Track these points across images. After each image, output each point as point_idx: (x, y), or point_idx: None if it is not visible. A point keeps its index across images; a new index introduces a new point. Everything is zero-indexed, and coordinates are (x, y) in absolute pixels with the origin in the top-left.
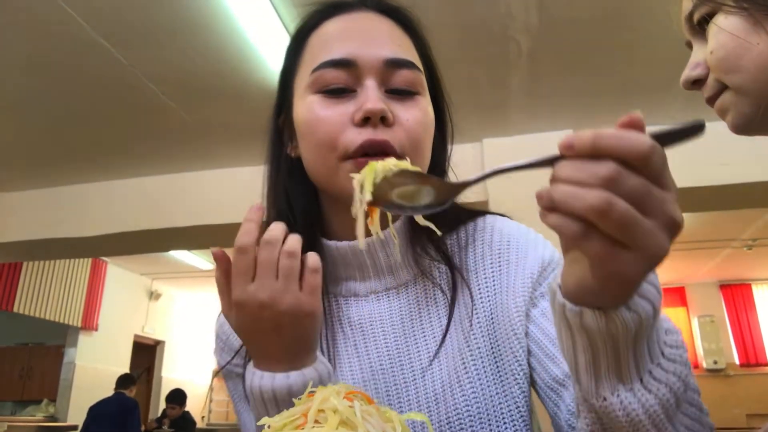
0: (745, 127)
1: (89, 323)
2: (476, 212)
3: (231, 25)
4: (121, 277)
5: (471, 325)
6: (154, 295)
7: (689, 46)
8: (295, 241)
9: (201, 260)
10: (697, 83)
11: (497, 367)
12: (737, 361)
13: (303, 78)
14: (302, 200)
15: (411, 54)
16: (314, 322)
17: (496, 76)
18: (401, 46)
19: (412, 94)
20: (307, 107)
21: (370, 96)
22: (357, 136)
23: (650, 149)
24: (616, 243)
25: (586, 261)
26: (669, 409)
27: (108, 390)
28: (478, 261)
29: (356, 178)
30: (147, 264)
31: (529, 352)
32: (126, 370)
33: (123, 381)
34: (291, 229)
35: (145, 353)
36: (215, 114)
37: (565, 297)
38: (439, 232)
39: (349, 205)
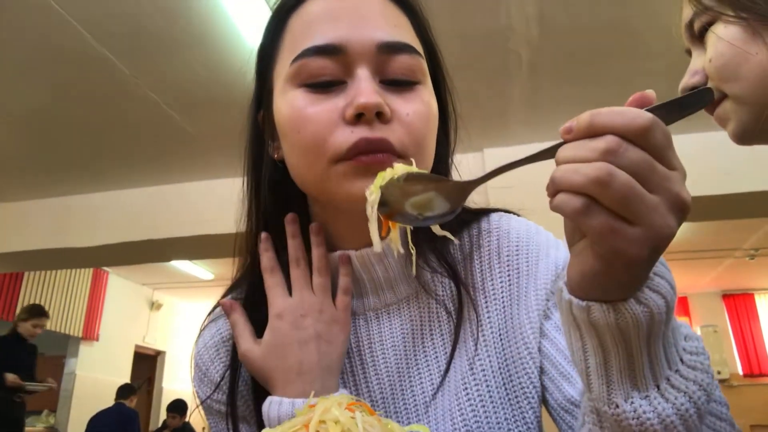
0: (745, 136)
1: (90, 333)
2: (479, 212)
3: (233, 37)
4: (122, 287)
5: (476, 349)
6: (155, 305)
7: (689, 53)
8: (322, 258)
9: (202, 270)
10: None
11: (508, 389)
12: (741, 372)
13: (283, 67)
14: (289, 207)
15: (409, 35)
16: (347, 339)
17: (497, 86)
18: (397, 27)
19: (412, 84)
20: (290, 103)
21: (363, 88)
22: (349, 135)
23: (649, 123)
24: (619, 217)
25: (589, 247)
26: (689, 421)
27: (108, 400)
28: (485, 270)
29: (368, 189)
30: (148, 274)
31: (542, 369)
32: (127, 380)
33: (123, 391)
34: (278, 240)
35: (146, 364)
36: (217, 124)
37: (571, 293)
38: (455, 240)
39: (342, 212)
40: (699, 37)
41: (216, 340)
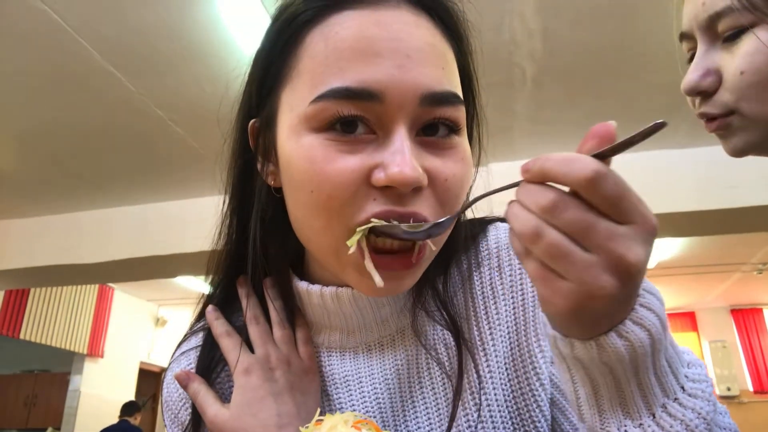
0: (745, 152)
1: (95, 350)
2: (477, 226)
3: (238, 53)
4: (127, 304)
5: (479, 412)
6: (160, 322)
7: (685, 39)
8: (281, 311)
9: (207, 286)
10: (701, 92)
11: (515, 424)
12: (751, 388)
13: (298, 97)
14: (278, 238)
15: (455, 79)
16: (319, 388)
17: (502, 101)
18: (445, 69)
19: (450, 135)
20: (305, 153)
21: (400, 155)
22: (374, 205)
23: (593, 175)
24: (552, 269)
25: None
26: None
27: (113, 418)
28: (486, 293)
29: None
30: (153, 290)
31: (552, 401)
32: (131, 397)
33: (128, 408)
34: (258, 270)
35: (151, 381)
36: (222, 141)
37: (554, 328)
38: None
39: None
40: (721, 35)
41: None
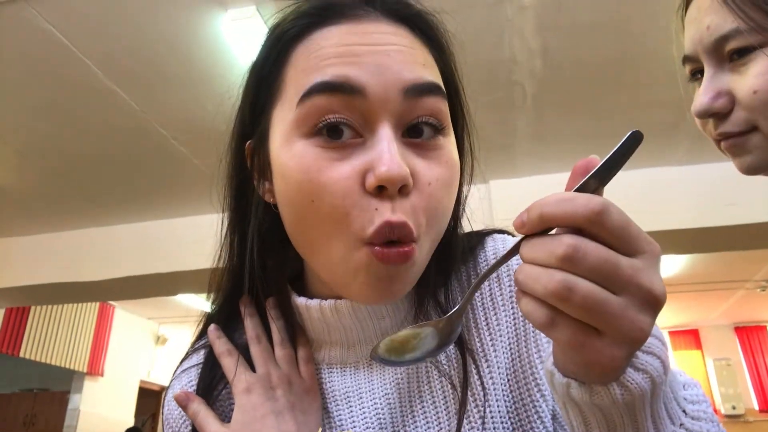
0: (759, 170)
1: (95, 368)
2: (475, 238)
3: (241, 73)
4: (127, 322)
5: (484, 425)
6: (160, 340)
7: (688, 62)
8: (282, 330)
9: (208, 304)
10: (713, 114)
11: None
12: (756, 407)
13: (286, 106)
14: (276, 254)
15: (436, 74)
16: (320, 408)
17: (502, 119)
18: (426, 66)
19: (435, 136)
20: (298, 162)
21: (387, 153)
22: (374, 215)
23: (601, 208)
24: (587, 327)
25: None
26: None
27: None
28: (486, 304)
29: None
30: (154, 308)
31: (553, 416)
32: (131, 416)
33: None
34: (256, 286)
35: (151, 399)
36: (219, 161)
37: (555, 365)
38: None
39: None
40: (730, 56)
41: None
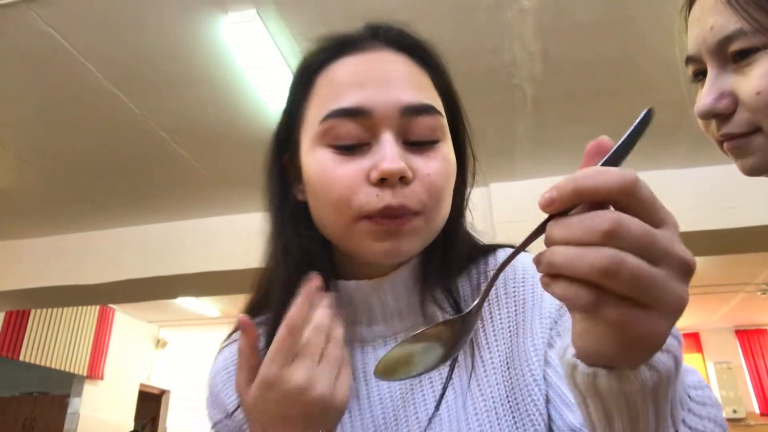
0: (762, 171)
1: (95, 372)
2: (487, 248)
3: (242, 76)
4: (127, 325)
5: (473, 371)
6: (160, 343)
7: (691, 62)
8: (341, 331)
9: (208, 307)
10: (716, 115)
11: (515, 416)
12: (757, 410)
13: (311, 124)
14: (313, 244)
15: (431, 95)
16: (340, 418)
17: (502, 122)
18: (421, 89)
19: (433, 143)
20: (318, 163)
21: (387, 153)
22: (374, 199)
23: (636, 179)
24: (634, 304)
25: (601, 328)
26: None
27: None
28: (492, 302)
29: None
30: (154, 311)
31: (547, 398)
32: (130, 420)
33: None
34: (302, 273)
35: (151, 403)
36: (225, 162)
37: (576, 357)
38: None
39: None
40: (733, 57)
41: (229, 362)
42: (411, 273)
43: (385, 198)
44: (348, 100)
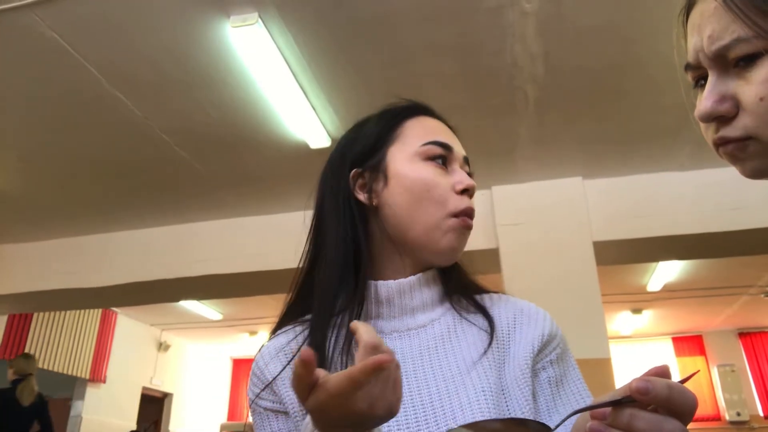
0: (764, 174)
1: (97, 375)
2: (487, 290)
3: (244, 79)
4: (130, 328)
5: (506, 376)
6: (163, 346)
7: (691, 69)
8: (392, 353)
9: (210, 310)
10: (717, 118)
11: (505, 393)
12: (761, 413)
13: (407, 146)
14: (362, 244)
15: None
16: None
17: (504, 124)
18: (461, 146)
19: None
20: (421, 170)
21: (463, 176)
22: (460, 202)
23: (695, 404)
24: None
25: None
26: None
27: None
28: (524, 323)
29: None
30: (157, 314)
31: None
32: (133, 423)
33: None
34: (345, 271)
35: (153, 406)
36: (227, 165)
37: None
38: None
39: (405, 251)
40: (735, 62)
41: (277, 344)
42: (430, 277)
43: (466, 202)
44: (442, 138)
